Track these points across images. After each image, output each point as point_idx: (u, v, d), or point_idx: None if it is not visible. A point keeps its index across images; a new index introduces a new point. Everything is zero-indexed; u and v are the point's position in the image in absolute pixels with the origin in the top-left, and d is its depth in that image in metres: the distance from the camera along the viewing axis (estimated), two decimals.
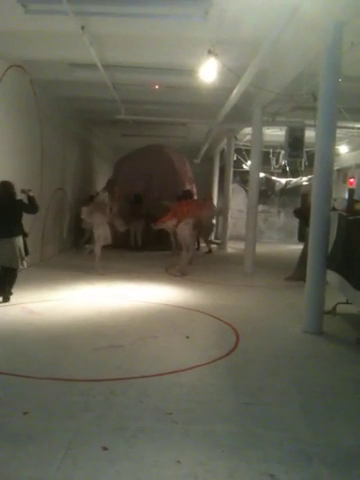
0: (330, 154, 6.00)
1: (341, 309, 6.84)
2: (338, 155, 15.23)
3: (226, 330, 6.01)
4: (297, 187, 18.54)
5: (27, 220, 7.91)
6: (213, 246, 14.70)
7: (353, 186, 16.14)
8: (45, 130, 10.90)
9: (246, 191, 16.24)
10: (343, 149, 16.17)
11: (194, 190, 15.37)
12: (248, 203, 11.37)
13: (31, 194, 7.10)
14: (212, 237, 16.69)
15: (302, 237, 17.39)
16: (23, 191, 7.08)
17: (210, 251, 14.33)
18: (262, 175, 14.60)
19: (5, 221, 6.78)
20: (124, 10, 6.57)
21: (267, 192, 19.05)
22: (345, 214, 6.10)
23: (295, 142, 11.18)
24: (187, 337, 5.61)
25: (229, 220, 15.69)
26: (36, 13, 6.56)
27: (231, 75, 7.81)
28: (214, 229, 17.15)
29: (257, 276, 10.49)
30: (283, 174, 17.12)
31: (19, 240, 6.92)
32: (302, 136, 11.16)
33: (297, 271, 9.43)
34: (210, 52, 6.99)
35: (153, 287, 8.67)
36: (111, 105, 11.93)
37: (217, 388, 4.21)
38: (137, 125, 14.44)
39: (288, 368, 4.81)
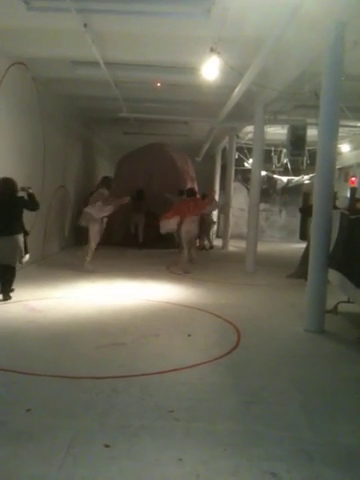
0: (332, 153, 5.99)
1: (342, 308, 6.85)
2: (340, 154, 15.18)
3: (227, 328, 6.02)
4: (299, 186, 18.53)
5: (29, 218, 7.92)
6: (206, 250, 14.51)
7: (355, 185, 16.13)
8: (47, 128, 10.90)
9: (248, 189, 16.25)
10: (345, 148, 16.13)
11: (196, 188, 15.36)
12: (250, 201, 11.38)
13: (31, 191, 7.10)
14: (213, 235, 16.68)
15: (304, 236, 17.45)
16: (23, 189, 7.07)
17: (212, 247, 14.38)
18: (264, 173, 14.58)
19: (5, 218, 6.76)
20: (127, 8, 6.58)
21: (269, 190, 19.06)
22: (347, 213, 6.10)
23: (297, 140, 11.15)
24: (189, 335, 5.62)
25: (230, 218, 15.67)
26: (38, 10, 6.57)
27: (233, 73, 7.81)
28: (215, 226, 17.15)
29: (258, 275, 10.50)
30: (285, 172, 17.09)
31: (19, 238, 6.91)
32: (304, 134, 11.12)
33: (299, 269, 9.44)
34: (212, 50, 7.00)
35: (155, 285, 8.68)
36: (113, 103, 11.93)
37: (218, 386, 4.22)
38: (139, 123, 14.43)
39: (289, 367, 4.82)
